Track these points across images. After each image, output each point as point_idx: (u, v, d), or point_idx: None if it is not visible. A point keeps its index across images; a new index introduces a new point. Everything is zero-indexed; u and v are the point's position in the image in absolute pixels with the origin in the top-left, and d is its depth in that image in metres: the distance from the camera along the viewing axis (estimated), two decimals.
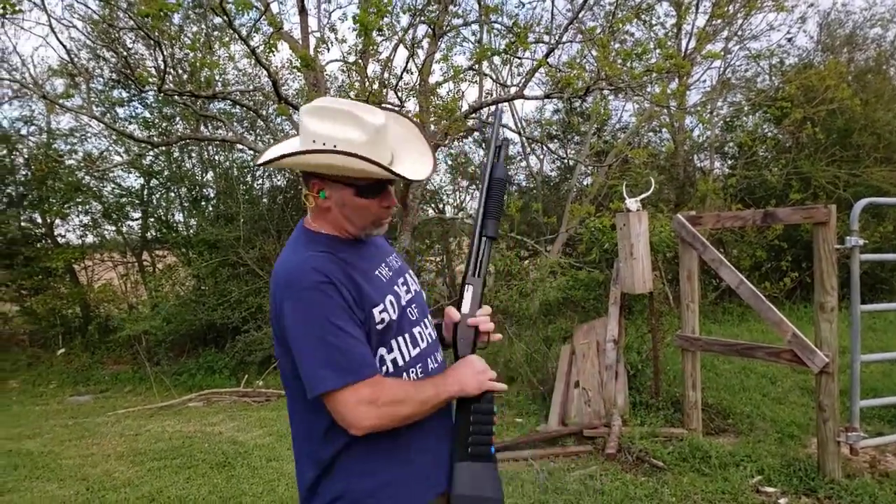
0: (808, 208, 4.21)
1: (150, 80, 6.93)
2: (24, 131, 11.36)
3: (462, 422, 1.66)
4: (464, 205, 12.19)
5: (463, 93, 8.69)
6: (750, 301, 4.54)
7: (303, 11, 8.14)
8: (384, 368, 1.54)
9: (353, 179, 1.54)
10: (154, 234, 11.66)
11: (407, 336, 1.62)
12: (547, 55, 7.31)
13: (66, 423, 6.91)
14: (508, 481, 4.37)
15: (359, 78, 7.49)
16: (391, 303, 1.58)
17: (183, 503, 4.34)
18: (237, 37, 6.59)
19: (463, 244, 11.88)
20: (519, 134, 10.63)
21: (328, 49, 9.14)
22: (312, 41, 8.16)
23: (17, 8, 6.68)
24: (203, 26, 9.45)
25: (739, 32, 11.02)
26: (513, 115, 11.58)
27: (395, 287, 1.65)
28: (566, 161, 11.85)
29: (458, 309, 1.72)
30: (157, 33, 6.54)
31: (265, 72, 6.82)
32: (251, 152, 10.04)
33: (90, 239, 11.71)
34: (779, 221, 4.79)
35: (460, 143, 11.33)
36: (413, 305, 1.69)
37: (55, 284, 10.89)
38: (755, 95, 10.72)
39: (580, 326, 6.20)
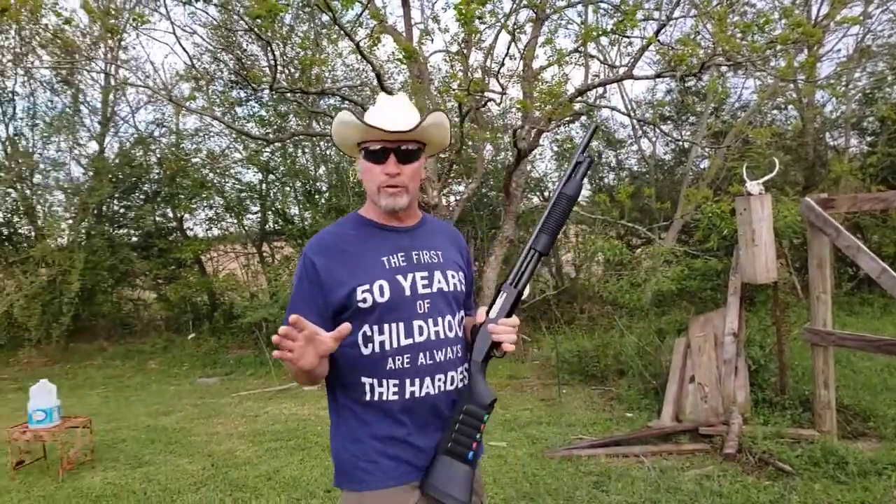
0: None
1: (264, 79, 7.23)
2: (156, 133, 12.29)
3: (454, 418, 1.71)
4: None
5: (567, 76, 8.44)
6: (895, 292, 4.10)
7: (406, 3, 8.20)
8: (370, 346, 1.68)
9: (361, 145, 1.74)
10: (272, 226, 12.25)
11: (402, 325, 1.70)
12: (657, 32, 6.94)
13: (196, 403, 7.39)
14: (618, 478, 4.21)
15: (461, 67, 7.45)
16: (381, 287, 1.68)
17: (297, 483, 4.50)
18: (343, 33, 6.73)
19: (570, 233, 11.61)
20: (629, 116, 10.22)
21: (431, 40, 9.18)
22: (416, 33, 8.21)
23: (145, 18, 7.20)
24: (312, 25, 9.75)
25: None
26: (622, 97, 11.19)
27: (400, 276, 1.72)
28: (680, 143, 11.27)
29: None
30: (268, 33, 6.79)
31: (370, 66, 6.93)
32: None
33: (214, 232, 12.51)
34: None
35: (567, 128, 11.05)
36: (426, 300, 1.74)
37: (185, 274, 11.68)
38: None
39: (696, 318, 5.87)
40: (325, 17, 8.31)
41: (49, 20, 7.46)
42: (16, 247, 11.13)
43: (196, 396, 7.83)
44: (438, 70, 9.85)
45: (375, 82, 7.06)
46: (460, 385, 1.77)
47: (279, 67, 7.69)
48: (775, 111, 11.28)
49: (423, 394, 1.70)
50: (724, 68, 8.09)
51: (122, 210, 12.12)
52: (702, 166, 10.75)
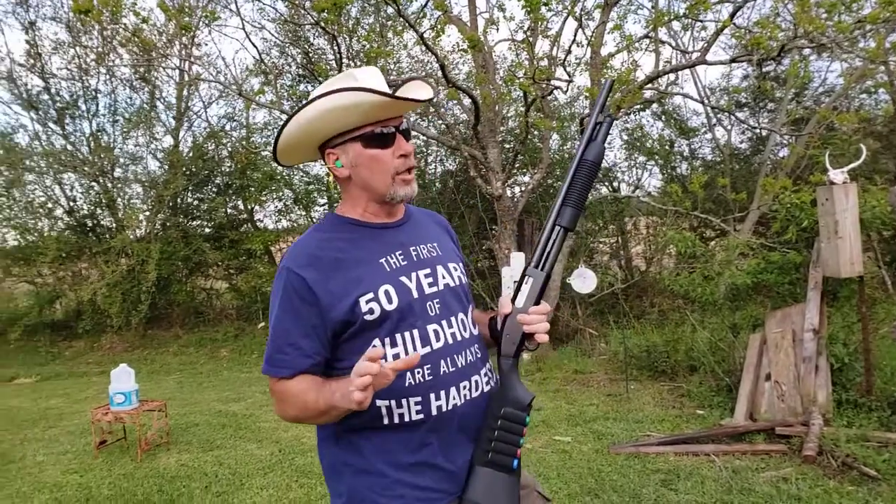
0: None
1: (330, 72, 7.30)
2: (227, 127, 12.65)
3: (489, 424, 1.51)
4: (641, 182, 11.60)
5: (637, 63, 8.19)
6: None
7: None
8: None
9: (354, 132, 1.49)
10: None
11: (416, 332, 1.49)
12: (732, 15, 6.65)
13: (264, 390, 7.56)
14: (687, 476, 4.07)
15: (527, 56, 7.33)
16: (387, 293, 1.47)
17: None
18: (408, 24, 6.73)
19: (640, 224, 11.31)
20: (702, 103, 9.85)
21: (496, 29, 9.09)
22: (481, 22, 8.13)
23: (217, 15, 7.39)
24: (377, 17, 9.80)
25: None
26: (696, 84, 10.78)
27: (404, 277, 1.51)
28: (758, 131, 10.78)
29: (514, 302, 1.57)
30: (334, 27, 6.86)
31: (434, 57, 6.90)
32: (424, 138, 10.31)
33: (283, 223, 12.81)
34: None
35: (637, 116, 10.75)
36: (436, 300, 1.54)
37: (255, 264, 12.00)
38: None
39: (773, 313, 5.60)
40: (390, 10, 8.34)
41: (128, 20, 7.74)
42: (99, 238, 11.69)
43: (264, 384, 8.01)
44: (504, 59, 9.76)
45: (440, 73, 7.03)
46: (486, 389, 1.57)
47: (345, 60, 7.76)
48: (863, 95, 10.62)
49: (449, 407, 1.49)
50: (806, 51, 7.66)
51: (195, 202, 12.56)
52: (781, 155, 10.26)
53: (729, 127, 11.25)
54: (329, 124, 1.49)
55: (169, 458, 5.04)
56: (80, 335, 11.00)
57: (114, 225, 11.83)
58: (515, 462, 1.50)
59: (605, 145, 1.58)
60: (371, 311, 1.45)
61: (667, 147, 11.34)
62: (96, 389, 7.96)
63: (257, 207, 12.66)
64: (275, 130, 12.17)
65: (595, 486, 4.05)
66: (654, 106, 10.72)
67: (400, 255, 1.54)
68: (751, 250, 7.30)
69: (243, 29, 7.95)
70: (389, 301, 1.46)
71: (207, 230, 12.40)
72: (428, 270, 1.56)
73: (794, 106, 10.21)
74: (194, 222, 12.50)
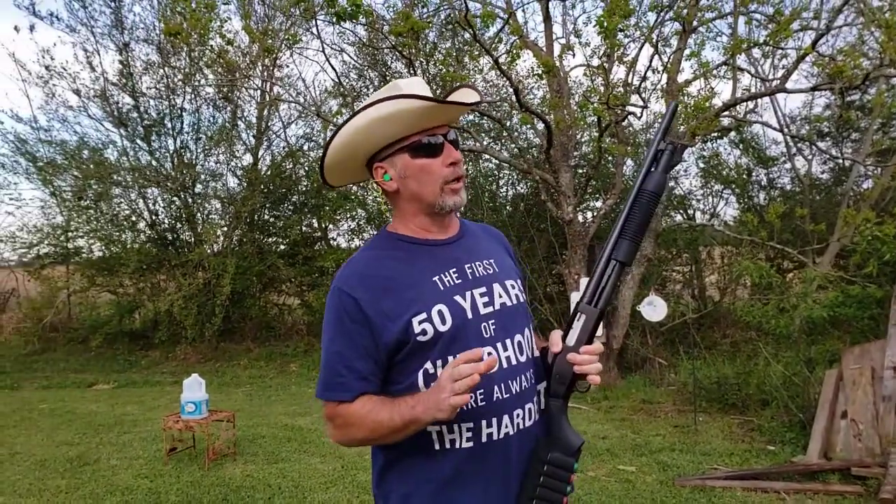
0: None
1: None
2: (305, 147, 12.90)
3: (534, 469, 1.42)
4: (717, 211, 11.33)
5: (713, 89, 8.06)
6: None
7: (547, 19, 8.23)
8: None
9: (401, 143, 1.45)
10: None
11: None
12: (815, 42, 6.50)
13: None
14: None
15: (602, 81, 7.35)
16: (440, 313, 1.41)
17: None
18: (484, 50, 6.86)
19: (714, 253, 11.02)
20: (781, 132, 9.58)
21: (572, 55, 9.14)
22: (557, 48, 8.20)
23: (298, 38, 7.73)
24: (454, 42, 9.99)
25: None
26: (775, 112, 10.50)
27: (458, 297, 1.44)
28: (840, 161, 10.38)
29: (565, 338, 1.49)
30: (411, 51, 7.06)
31: (508, 81, 7.00)
32: (496, 161, 10.40)
33: (356, 242, 13.00)
34: None
35: (714, 144, 10.55)
36: (491, 321, 1.46)
37: (327, 282, 12.17)
38: None
39: (851, 349, 5.38)
40: (466, 35, 8.52)
41: (215, 42, 8.07)
42: (177, 251, 12.00)
43: None
44: (579, 84, 9.77)
45: (514, 97, 7.12)
46: (537, 417, 1.50)
47: None
48: None
49: (501, 435, 1.42)
50: (894, 80, 7.39)
51: (271, 219, 12.83)
52: (864, 186, 9.84)
53: (810, 157, 10.89)
54: (375, 135, 1.44)
55: (235, 468, 5.18)
56: (156, 345, 11.27)
57: (192, 239, 12.13)
58: None
59: (671, 174, 1.49)
60: (424, 333, 1.40)
61: (744, 176, 11.06)
62: (169, 398, 8.19)
63: (331, 226, 12.90)
64: None
65: None
66: (732, 134, 10.50)
67: (454, 272, 1.48)
68: (829, 283, 7.02)
69: (323, 52, 8.24)
70: (443, 322, 1.41)
71: (282, 247, 12.59)
72: (483, 289, 1.49)
73: (880, 136, 9.80)
74: (269, 239, 12.73)
